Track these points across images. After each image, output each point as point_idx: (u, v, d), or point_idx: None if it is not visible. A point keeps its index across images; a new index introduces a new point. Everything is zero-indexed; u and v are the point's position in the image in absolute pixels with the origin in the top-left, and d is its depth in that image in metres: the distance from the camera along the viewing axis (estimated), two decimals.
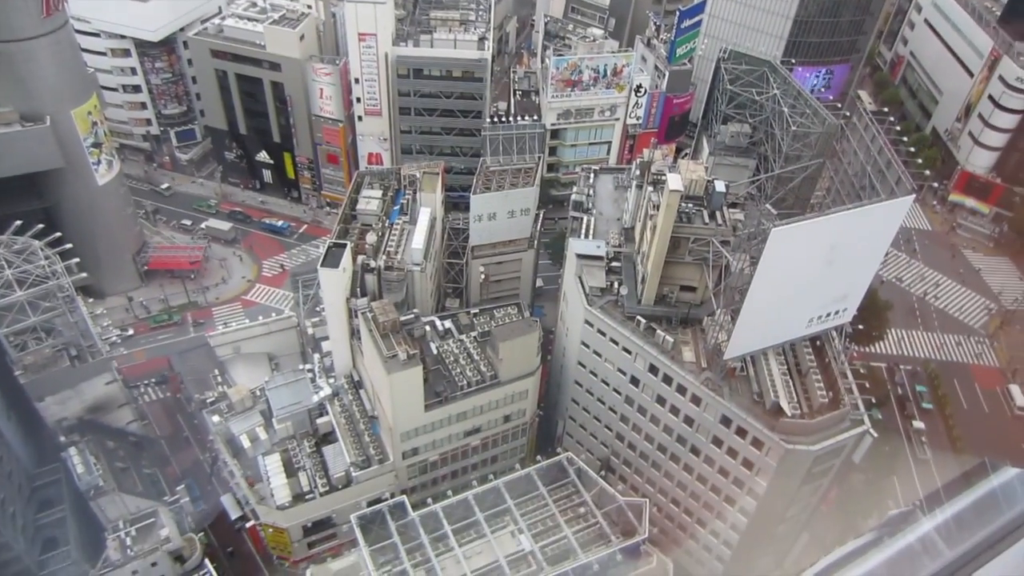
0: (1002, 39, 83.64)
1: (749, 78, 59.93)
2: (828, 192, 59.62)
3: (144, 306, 71.63)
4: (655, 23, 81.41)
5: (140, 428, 56.63)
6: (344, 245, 47.72)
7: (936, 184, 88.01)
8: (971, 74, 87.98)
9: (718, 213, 45.33)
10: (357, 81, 72.43)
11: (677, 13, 73.15)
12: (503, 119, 63.49)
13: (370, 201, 55.27)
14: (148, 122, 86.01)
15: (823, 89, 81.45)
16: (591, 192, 55.55)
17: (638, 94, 74.00)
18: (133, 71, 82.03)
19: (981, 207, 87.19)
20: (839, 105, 61.69)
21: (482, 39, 71.96)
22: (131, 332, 69.22)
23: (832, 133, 54.67)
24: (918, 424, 64.23)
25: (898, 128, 57.40)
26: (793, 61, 67.40)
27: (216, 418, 49.80)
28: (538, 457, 51.99)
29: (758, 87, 59.05)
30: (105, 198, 68.48)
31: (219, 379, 54.71)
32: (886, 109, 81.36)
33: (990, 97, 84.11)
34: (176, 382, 61.62)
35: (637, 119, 75.60)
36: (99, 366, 54.90)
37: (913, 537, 5.68)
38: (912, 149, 65.82)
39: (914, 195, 42.35)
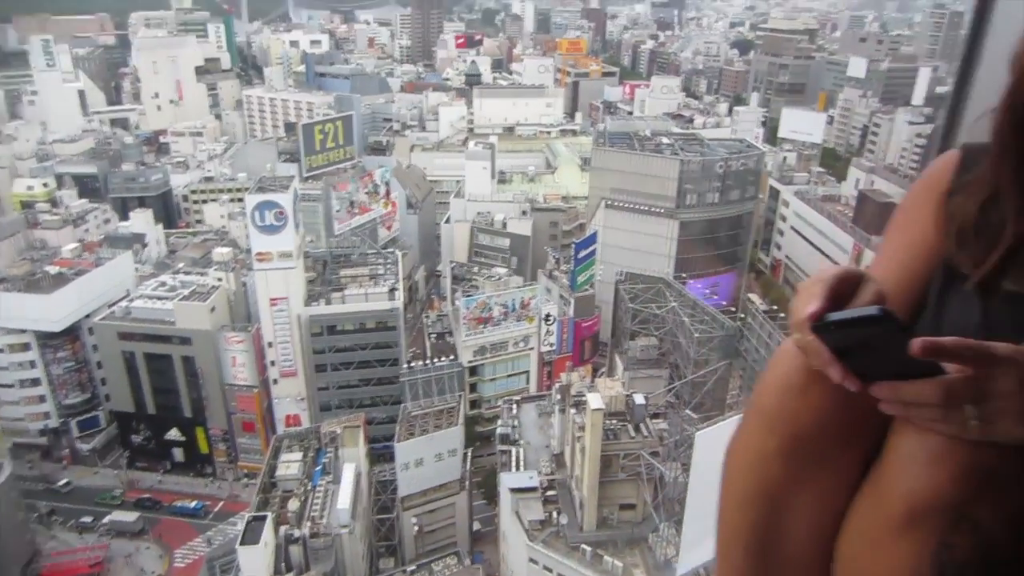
0: (860, 235, 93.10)
1: (647, 295, 63.53)
2: (741, 390, 61.46)
3: None
4: (554, 257, 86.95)
5: None
6: (264, 517, 44.58)
7: None
8: None
9: (642, 425, 45.36)
10: (271, 345, 72.45)
11: (572, 246, 78.60)
12: (421, 363, 64.01)
13: (290, 465, 52.85)
14: (46, 415, 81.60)
15: (715, 296, 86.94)
16: (516, 423, 55.13)
17: (548, 323, 76.77)
18: (32, 364, 79.36)
19: None
20: (733, 309, 65.65)
21: (392, 290, 74.54)
22: None
23: (732, 335, 57.45)
24: None
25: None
26: (684, 275, 72.42)
27: None
28: None
29: (657, 302, 62.46)
30: None
31: None
32: (775, 307, 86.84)
33: None
34: None
35: (551, 346, 77.72)
36: None
37: None
38: None
39: None
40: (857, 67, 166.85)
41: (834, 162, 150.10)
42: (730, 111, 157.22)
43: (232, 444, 78.90)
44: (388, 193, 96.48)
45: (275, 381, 74.67)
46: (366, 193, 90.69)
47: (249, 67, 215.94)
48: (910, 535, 0.83)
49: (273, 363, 73.76)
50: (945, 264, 1.14)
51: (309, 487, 51.66)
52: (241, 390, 75.45)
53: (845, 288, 0.93)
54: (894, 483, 0.87)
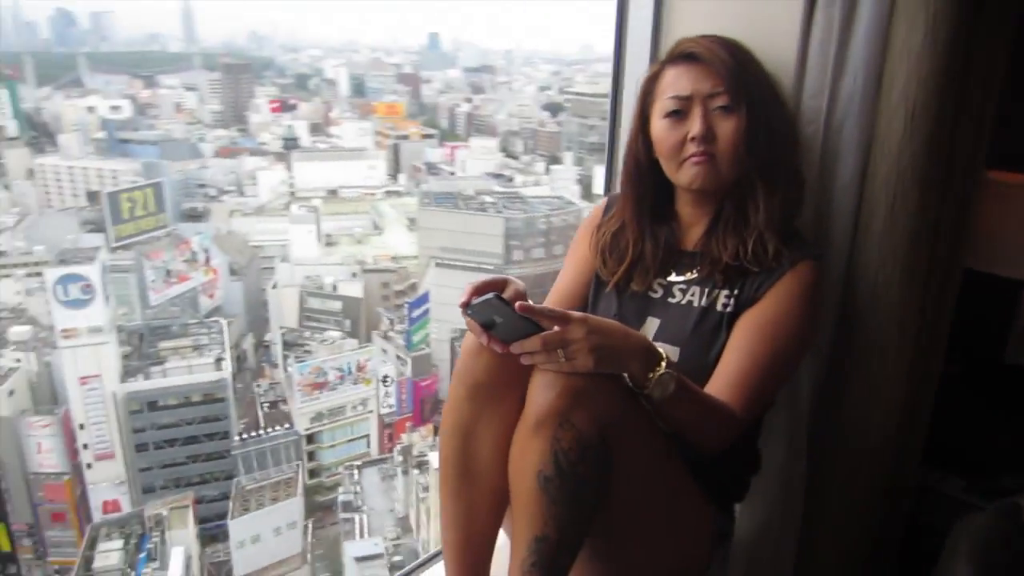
0: None
1: None
2: None
3: None
4: (387, 318, 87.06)
5: None
6: None
7: None
8: None
9: None
10: (83, 427, 66.45)
11: (406, 306, 79.54)
12: (254, 434, 61.84)
13: (109, 555, 48.78)
14: None
15: None
16: (359, 489, 54.66)
17: (385, 384, 76.73)
18: None
19: None
20: None
21: (219, 360, 71.40)
22: None
23: None
24: None
25: None
26: None
27: None
28: None
29: None
30: None
31: None
32: None
33: None
34: None
35: (390, 407, 77.44)
36: None
37: None
38: None
39: None
40: None
41: None
42: (547, 170, 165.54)
43: (40, 539, 70.69)
44: (208, 260, 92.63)
45: (89, 466, 68.32)
46: (184, 261, 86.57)
47: (41, 135, 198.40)
48: (539, 435, 1.29)
49: (86, 446, 67.58)
50: (596, 275, 1.76)
51: None
52: (49, 478, 68.10)
53: (494, 288, 1.39)
54: (530, 404, 1.33)
